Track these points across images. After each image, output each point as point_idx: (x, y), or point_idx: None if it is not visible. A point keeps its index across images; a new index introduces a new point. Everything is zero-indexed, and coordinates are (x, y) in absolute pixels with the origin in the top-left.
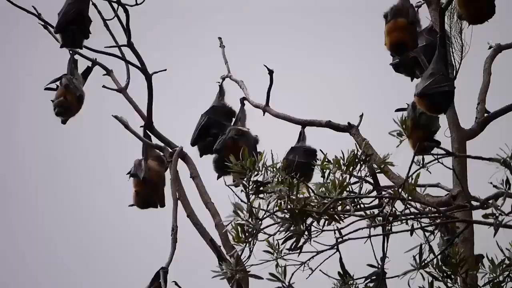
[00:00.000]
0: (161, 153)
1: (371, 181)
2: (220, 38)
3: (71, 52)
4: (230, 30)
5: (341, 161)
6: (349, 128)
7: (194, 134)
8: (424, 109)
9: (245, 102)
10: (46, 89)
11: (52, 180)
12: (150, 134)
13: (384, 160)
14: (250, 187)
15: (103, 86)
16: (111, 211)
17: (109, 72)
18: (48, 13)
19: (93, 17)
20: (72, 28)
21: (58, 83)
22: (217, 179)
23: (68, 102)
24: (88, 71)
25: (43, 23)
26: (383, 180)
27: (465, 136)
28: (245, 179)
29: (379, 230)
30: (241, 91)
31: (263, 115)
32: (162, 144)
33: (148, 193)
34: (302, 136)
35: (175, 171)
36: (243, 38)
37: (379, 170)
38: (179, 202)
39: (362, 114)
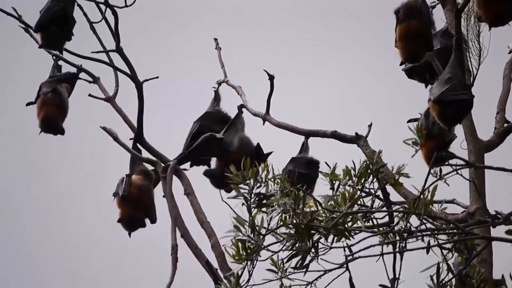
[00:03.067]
0: (152, 167)
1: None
2: (216, 40)
3: (54, 57)
4: (229, 33)
5: (352, 172)
6: (357, 139)
7: (186, 143)
8: (438, 116)
9: (244, 109)
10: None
11: (36, 195)
12: (141, 148)
13: (399, 171)
14: (252, 200)
15: (90, 95)
16: (99, 228)
17: (96, 80)
18: (30, 15)
19: (79, 20)
20: (54, 28)
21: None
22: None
23: (46, 117)
24: (74, 78)
25: (24, 26)
26: (395, 194)
27: (483, 148)
28: (246, 191)
29: (392, 247)
30: (239, 97)
31: (263, 124)
32: (154, 158)
33: (132, 212)
34: (305, 147)
35: (170, 187)
36: (243, 41)
37: (391, 183)
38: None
39: (371, 123)
